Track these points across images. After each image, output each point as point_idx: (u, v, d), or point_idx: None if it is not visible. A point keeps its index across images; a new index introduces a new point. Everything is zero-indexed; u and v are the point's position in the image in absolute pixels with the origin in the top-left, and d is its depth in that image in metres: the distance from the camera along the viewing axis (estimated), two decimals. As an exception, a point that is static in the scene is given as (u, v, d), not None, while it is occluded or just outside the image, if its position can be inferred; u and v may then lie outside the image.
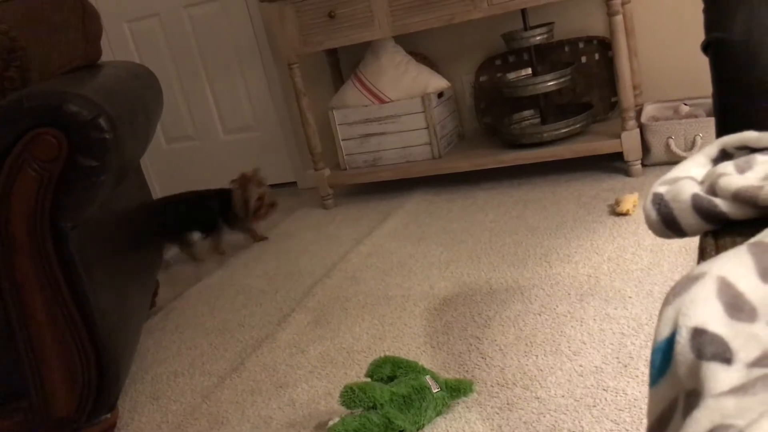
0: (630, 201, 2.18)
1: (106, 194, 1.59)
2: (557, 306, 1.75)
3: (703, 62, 2.71)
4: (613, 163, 2.64)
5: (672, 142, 2.41)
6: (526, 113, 2.82)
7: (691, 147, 2.39)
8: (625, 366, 1.45)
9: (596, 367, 1.47)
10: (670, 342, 0.52)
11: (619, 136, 2.45)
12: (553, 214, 2.33)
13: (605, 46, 2.72)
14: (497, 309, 1.81)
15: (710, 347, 0.48)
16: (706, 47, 0.85)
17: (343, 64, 3.18)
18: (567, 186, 2.55)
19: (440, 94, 2.86)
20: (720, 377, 0.45)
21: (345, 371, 1.68)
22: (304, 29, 2.76)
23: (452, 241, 2.32)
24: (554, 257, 2.02)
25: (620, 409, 1.32)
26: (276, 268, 2.49)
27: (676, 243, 1.92)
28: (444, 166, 2.73)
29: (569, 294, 1.79)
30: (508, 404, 1.42)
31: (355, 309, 2.00)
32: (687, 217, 0.66)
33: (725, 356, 0.46)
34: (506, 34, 2.57)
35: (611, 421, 1.30)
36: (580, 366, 1.49)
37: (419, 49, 3.01)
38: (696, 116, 2.44)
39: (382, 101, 2.84)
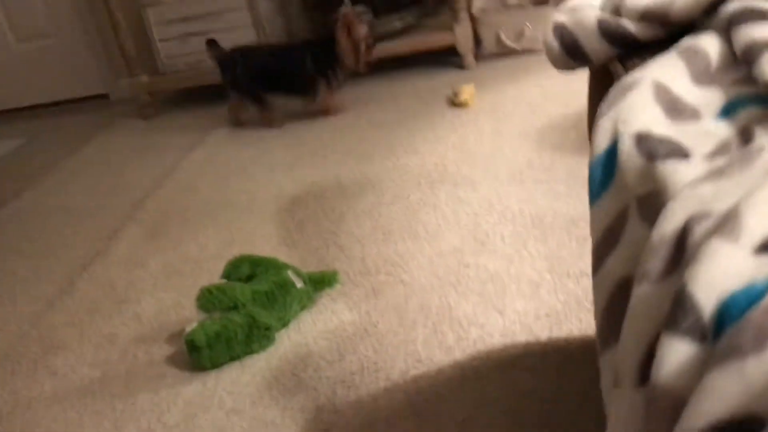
0: (467, 92, 2.20)
1: None
2: (409, 195, 1.73)
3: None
4: (446, 58, 2.64)
5: (502, 34, 2.45)
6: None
7: (519, 37, 2.45)
8: (483, 243, 1.47)
9: (455, 247, 1.47)
10: (610, 153, 0.48)
11: (452, 29, 2.44)
12: (394, 109, 2.30)
13: (432, -63, 2.66)
14: (349, 203, 1.75)
15: (662, 147, 0.44)
16: None
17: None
18: (404, 82, 2.52)
19: (265, -11, 2.67)
20: (682, 172, 0.41)
21: (194, 280, 1.56)
22: None
23: (294, 142, 2.21)
24: (400, 150, 1.99)
25: (483, 282, 1.34)
26: (96, 184, 2.25)
27: (517, 127, 1.97)
28: (275, 65, 2.57)
29: (419, 183, 1.78)
30: (373, 291, 1.39)
31: (195, 217, 1.86)
32: (593, 42, 0.62)
33: (681, 153, 0.43)
34: None
35: (476, 294, 1.31)
36: (440, 248, 1.48)
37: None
38: (523, 6, 2.49)
39: (202, -4, 2.60)
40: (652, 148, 0.44)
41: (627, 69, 0.60)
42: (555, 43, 0.65)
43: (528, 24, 2.42)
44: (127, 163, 2.36)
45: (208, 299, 1.26)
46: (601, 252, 0.46)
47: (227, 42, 2.65)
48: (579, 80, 2.17)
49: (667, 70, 0.49)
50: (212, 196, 1.96)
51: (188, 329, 1.26)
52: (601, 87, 0.71)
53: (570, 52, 0.64)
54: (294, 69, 2.28)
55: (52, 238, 1.93)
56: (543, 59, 2.37)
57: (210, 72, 2.65)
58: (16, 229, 2.04)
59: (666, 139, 0.44)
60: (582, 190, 1.57)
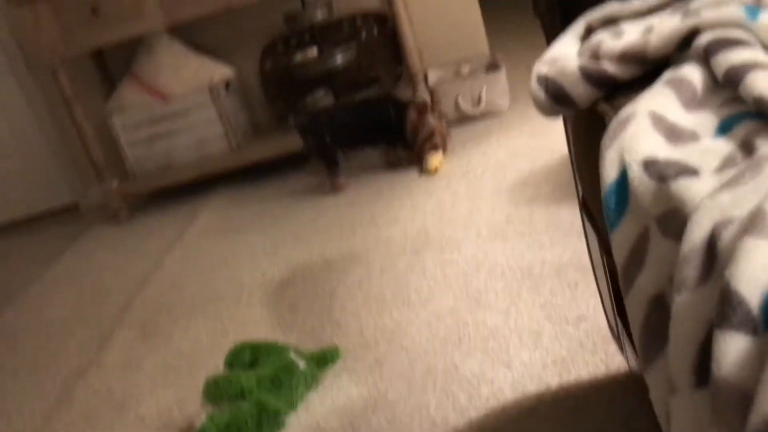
0: (436, 159, 2.26)
1: None
2: (397, 263, 1.75)
3: (473, 24, 2.83)
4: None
5: (461, 100, 2.54)
6: (318, 94, 2.81)
7: (478, 102, 2.54)
8: (477, 301, 1.49)
9: (450, 307, 1.49)
10: (621, 181, 0.51)
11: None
12: (368, 184, 2.34)
13: (382, 20, 2.78)
14: (339, 279, 1.77)
15: (670, 169, 0.47)
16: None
17: (113, 67, 2.92)
18: (372, 156, 2.58)
19: (227, 85, 2.75)
20: (695, 187, 0.45)
21: (192, 375, 1.53)
22: (66, 30, 2.49)
23: (273, 227, 2.23)
24: (381, 221, 2.02)
25: (485, 338, 1.35)
26: (77, 294, 2.22)
27: (490, 186, 2.02)
28: (246, 156, 2.62)
29: (405, 250, 1.80)
30: (376, 362, 1.39)
31: (185, 313, 1.84)
32: (577, 87, 0.67)
33: (690, 171, 0.46)
34: (287, 15, 2.54)
35: (480, 351, 1.32)
36: (436, 310, 1.50)
37: (196, 40, 2.86)
38: (477, 73, 2.60)
39: (165, 97, 2.66)
40: (661, 171, 0.48)
41: (613, 108, 0.65)
42: (541, 93, 0.69)
43: (484, 89, 2.52)
44: (105, 269, 2.34)
45: (214, 390, 1.24)
46: (629, 273, 0.49)
47: (192, 139, 2.69)
48: (541, 136, 2.26)
49: (659, 100, 0.54)
50: (198, 290, 1.96)
51: (198, 423, 1.23)
52: (584, 129, 0.76)
53: (556, 99, 0.68)
54: (380, 117, 2.33)
55: (39, 352, 1.89)
56: (503, 121, 2.45)
57: (181, 171, 2.68)
58: (0, 348, 1.99)
59: (673, 161, 0.48)
60: (564, 238, 1.61)
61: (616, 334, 1.07)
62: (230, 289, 1.90)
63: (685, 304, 0.40)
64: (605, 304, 1.10)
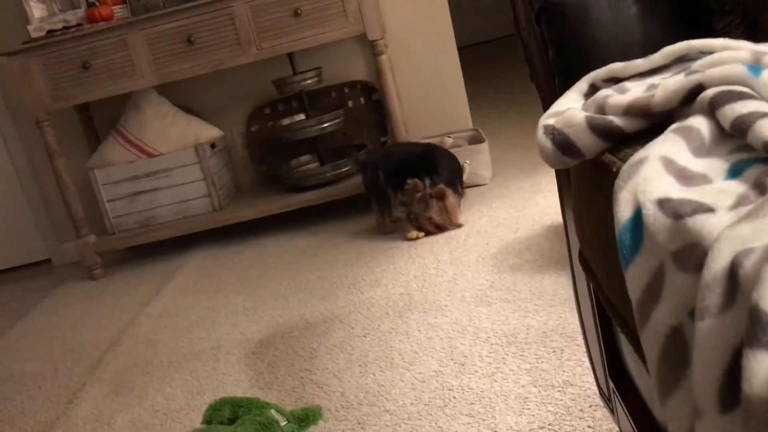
0: (419, 225, 2.28)
1: None
2: (379, 325, 1.74)
3: (458, 100, 2.92)
4: (392, 197, 2.75)
5: (444, 171, 2.58)
6: (304, 158, 2.84)
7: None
8: (462, 365, 1.47)
9: (435, 371, 1.47)
10: (635, 220, 0.53)
11: (396, 170, 2.56)
12: (350, 248, 2.35)
13: (369, 90, 2.86)
14: (320, 340, 1.74)
15: (686, 207, 0.49)
16: (539, 16, 0.92)
17: (98, 122, 2.94)
18: (355, 222, 2.59)
19: (213, 145, 2.77)
20: (712, 222, 0.46)
21: (166, 433, 1.49)
22: (55, 83, 2.51)
23: (252, 287, 2.21)
24: (363, 284, 2.02)
25: (471, 403, 1.33)
26: (48, 347, 2.15)
27: (473, 253, 2.04)
28: (227, 216, 2.62)
29: (388, 313, 1.79)
30: (359, 423, 1.36)
31: (159, 371, 1.80)
32: (584, 139, 0.69)
33: (706, 209, 0.48)
34: (278, 79, 2.59)
35: (466, 415, 1.30)
36: (420, 373, 1.48)
37: (184, 101, 2.90)
38: (460, 146, 2.66)
39: (150, 155, 2.67)
40: (676, 209, 0.49)
41: (619, 158, 0.67)
42: (548, 143, 0.71)
43: (467, 161, 2.57)
44: (79, 324, 2.28)
45: (192, 446, 1.20)
46: (645, 308, 0.50)
47: (174, 197, 2.69)
48: (523, 208, 2.30)
49: (669, 146, 0.56)
50: (175, 347, 1.91)
51: (173, 481, 1.18)
52: (588, 178, 0.78)
53: (563, 149, 0.70)
54: (425, 160, 2.35)
55: (4, 406, 1.81)
56: (485, 192, 2.50)
57: (161, 228, 2.67)
58: (-39, 403, 1.91)
59: (687, 200, 0.50)
60: (548, 306, 1.62)
61: (607, 397, 1.06)
62: (207, 347, 1.86)
63: (708, 329, 0.41)
64: (595, 366, 1.10)
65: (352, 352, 1.64)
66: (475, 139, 2.74)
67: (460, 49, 2.94)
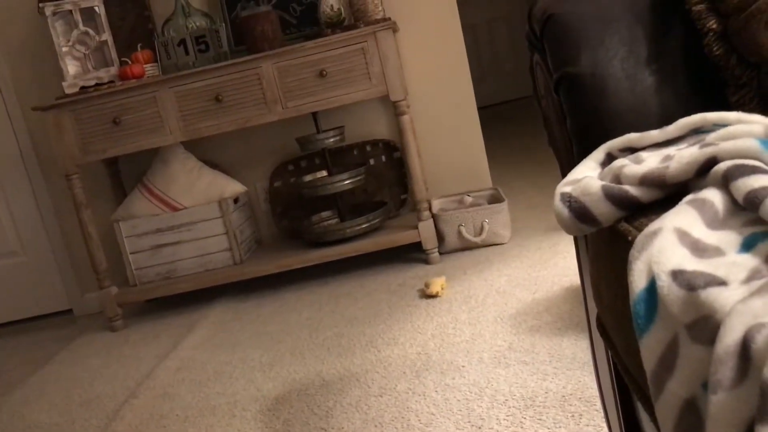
0: (438, 284, 2.28)
1: None
2: (396, 385, 1.73)
3: (477, 160, 2.97)
4: (411, 254, 2.76)
5: (463, 229, 2.60)
6: (325, 214, 2.88)
7: (480, 232, 2.60)
8: (479, 428, 1.46)
9: (451, 433, 1.46)
10: (649, 290, 0.53)
11: (416, 227, 2.58)
12: (368, 304, 2.35)
13: (390, 148, 2.91)
14: (336, 398, 1.73)
15: (700, 279, 0.50)
16: (557, 86, 0.94)
17: (125, 176, 3.01)
18: (374, 278, 2.60)
19: (236, 200, 2.82)
20: (725, 295, 0.47)
21: (179, 489, 1.47)
22: (86, 137, 2.58)
23: (270, 342, 2.21)
24: (380, 342, 2.01)
25: (488, 467, 1.32)
26: (66, 398, 2.16)
27: (492, 313, 2.03)
28: (248, 270, 2.64)
29: (405, 373, 1.79)
30: (374, 485, 1.34)
31: (175, 425, 1.79)
32: (600, 207, 0.70)
33: (718, 282, 0.49)
34: (301, 137, 2.65)
35: (482, 479, 1.28)
36: (436, 435, 1.47)
37: (209, 156, 2.97)
38: (480, 205, 2.68)
39: (175, 209, 2.71)
40: (690, 281, 0.50)
41: (635, 227, 0.68)
42: (564, 210, 0.73)
43: (486, 220, 2.58)
44: (97, 375, 2.29)
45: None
46: (660, 379, 0.50)
47: (196, 251, 2.73)
48: (542, 268, 2.30)
49: (682, 218, 0.57)
50: (191, 402, 1.91)
51: None
52: (605, 246, 0.79)
53: (579, 217, 0.72)
54: None
55: (18, 458, 1.81)
56: (503, 251, 2.50)
57: (182, 281, 2.69)
58: (-24, 452, 1.92)
59: (700, 272, 0.51)
60: (567, 369, 1.60)
61: (626, 464, 1.05)
62: (223, 402, 1.86)
63: (721, 403, 0.41)
64: (612, 429, 1.08)
65: (368, 411, 1.63)
66: (495, 199, 2.76)
67: (480, 108, 2.99)
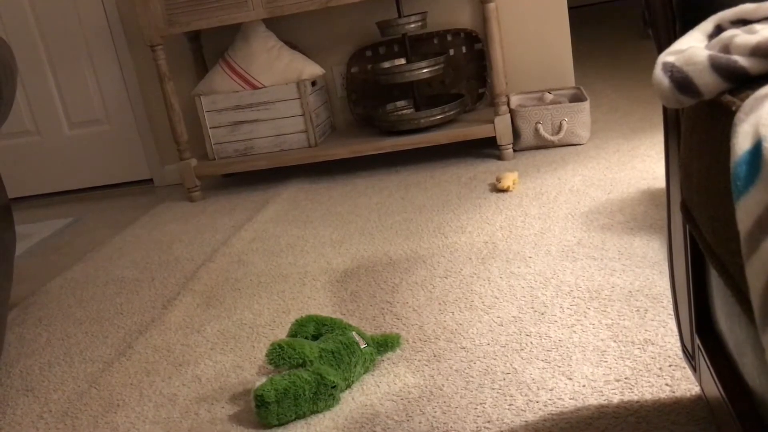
0: (510, 178, 2.27)
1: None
2: (462, 269, 1.76)
3: (562, 57, 2.85)
4: (484, 150, 2.74)
5: (540, 127, 2.55)
6: (400, 103, 2.86)
7: (558, 131, 2.55)
8: (542, 314, 1.48)
9: (514, 317, 1.49)
10: (754, 153, 0.52)
11: (492, 122, 2.54)
12: (437, 194, 2.37)
13: (472, 39, 2.83)
14: (402, 276, 1.78)
15: (810, 140, 0.48)
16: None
17: (206, 51, 3.04)
18: (444, 170, 2.61)
19: (313, 83, 2.82)
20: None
21: (252, 344, 1.57)
22: (170, 8, 2.60)
23: (340, 222, 2.27)
24: (448, 229, 2.04)
25: (548, 350, 1.35)
26: (146, 257, 2.29)
27: (563, 210, 2.02)
28: (321, 153, 2.68)
29: (470, 258, 1.81)
30: (435, 356, 1.39)
31: (248, 288, 1.89)
32: (704, 77, 0.68)
33: (832, 142, 0.47)
34: (382, 21, 2.60)
35: (542, 360, 1.32)
36: (498, 317, 1.50)
37: (288, 37, 2.96)
38: (560, 102, 2.60)
39: (254, 87, 2.74)
40: (799, 142, 0.48)
41: (740, 99, 0.65)
42: (665, 80, 0.70)
43: (565, 119, 2.52)
44: (175, 240, 2.42)
45: (278, 354, 1.27)
46: (755, 238, 0.50)
47: (273, 130, 2.77)
48: (618, 170, 2.25)
49: (797, 83, 0.54)
50: (264, 269, 2.00)
51: (258, 383, 1.26)
52: (703, 119, 0.76)
53: (681, 87, 0.69)
54: None
55: (105, 305, 1.96)
56: (580, 152, 2.45)
57: (258, 159, 2.76)
58: (68, 297, 2.07)
59: (811, 134, 0.49)
60: (636, 267, 1.60)
61: (690, 354, 1.06)
62: (294, 272, 1.94)
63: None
64: (681, 323, 1.09)
65: (432, 290, 1.68)
66: (576, 98, 2.68)
67: (570, 8, 2.85)
